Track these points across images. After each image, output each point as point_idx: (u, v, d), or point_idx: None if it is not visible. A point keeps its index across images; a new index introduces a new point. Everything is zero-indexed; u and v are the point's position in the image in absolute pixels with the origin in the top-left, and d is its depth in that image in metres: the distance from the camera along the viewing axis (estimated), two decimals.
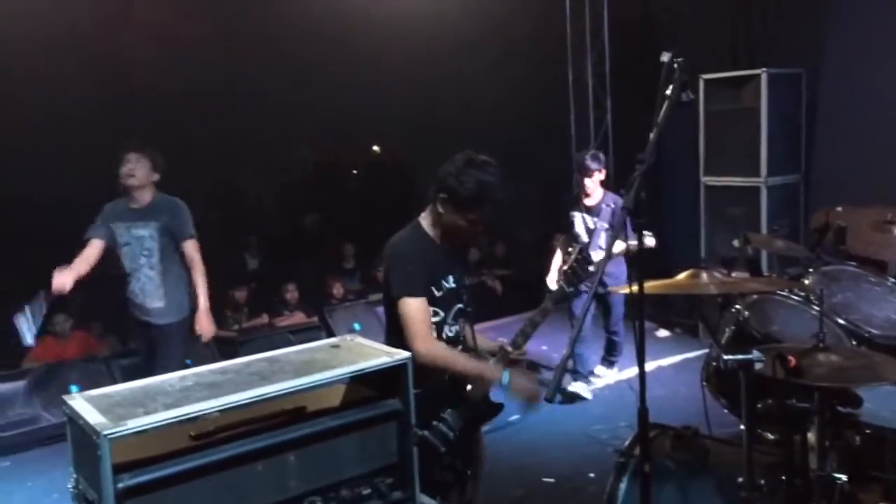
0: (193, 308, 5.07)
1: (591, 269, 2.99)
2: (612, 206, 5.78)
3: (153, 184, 5.05)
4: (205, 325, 5.06)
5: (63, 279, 4.77)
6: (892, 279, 3.68)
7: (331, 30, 8.55)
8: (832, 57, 6.94)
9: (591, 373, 6.23)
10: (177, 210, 5.08)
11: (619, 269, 5.51)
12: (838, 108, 6.91)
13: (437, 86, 9.45)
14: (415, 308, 2.80)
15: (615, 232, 4.82)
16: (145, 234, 5.02)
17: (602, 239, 5.69)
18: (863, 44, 6.61)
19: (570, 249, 3.09)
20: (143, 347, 5.26)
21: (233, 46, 8.71)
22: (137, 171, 4.95)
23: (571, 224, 6.02)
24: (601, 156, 6.00)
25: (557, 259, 5.86)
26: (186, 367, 2.40)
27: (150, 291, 5.07)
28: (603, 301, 5.94)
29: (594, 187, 5.86)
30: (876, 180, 6.13)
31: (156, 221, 5.00)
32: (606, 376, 6.31)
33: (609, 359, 6.30)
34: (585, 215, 5.93)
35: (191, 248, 5.08)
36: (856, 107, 6.68)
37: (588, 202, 5.92)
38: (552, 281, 5.18)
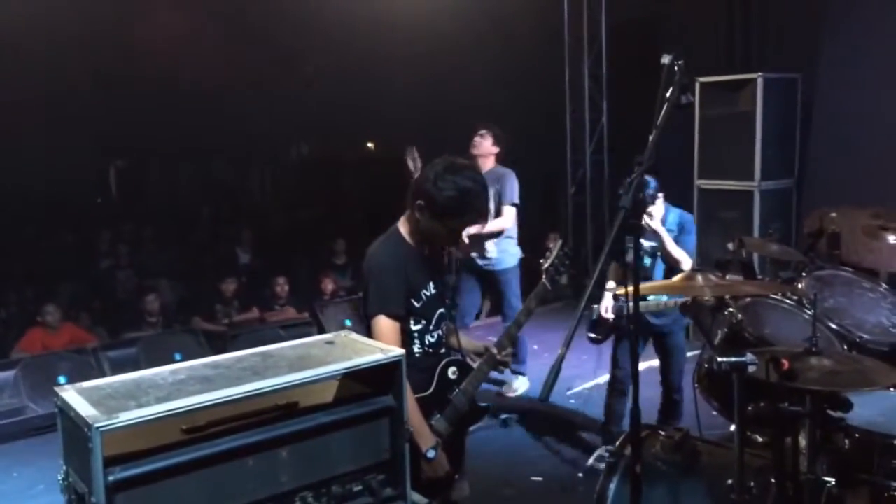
0: None
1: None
2: (676, 219, 4.97)
3: None
4: None
5: None
6: (884, 285, 3.71)
7: (328, 26, 8.53)
8: (827, 63, 6.96)
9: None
10: None
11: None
12: (832, 114, 6.93)
13: (433, 84, 9.45)
14: (386, 329, 2.71)
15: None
16: None
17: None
18: (857, 50, 6.64)
19: (550, 245, 3.08)
20: None
21: (230, 41, 8.68)
22: None
23: (627, 250, 5.55)
24: (650, 182, 4.98)
25: (610, 288, 4.99)
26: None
27: None
28: (660, 344, 4.85)
29: (655, 217, 5.00)
30: (868, 187, 6.16)
31: None
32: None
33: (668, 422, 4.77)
34: (643, 241, 5.19)
35: None
36: (850, 113, 6.70)
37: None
38: (605, 309, 4.71)
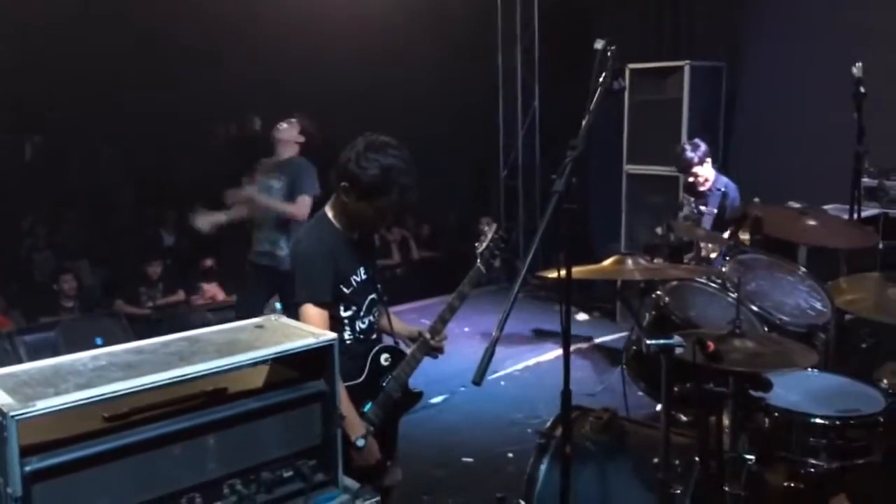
0: None
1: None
2: (723, 189, 5.56)
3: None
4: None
5: None
6: (802, 269, 3.84)
7: (260, 10, 8.35)
8: (751, 52, 7.17)
9: None
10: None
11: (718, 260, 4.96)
12: (755, 103, 7.16)
13: (368, 68, 9.34)
14: (314, 317, 2.66)
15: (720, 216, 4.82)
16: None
17: (708, 223, 5.48)
18: (781, 40, 6.85)
19: (485, 229, 3.08)
20: None
21: (163, 23, 8.38)
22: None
23: (681, 208, 5.85)
24: (699, 144, 5.69)
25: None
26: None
27: None
28: None
29: (700, 177, 5.62)
30: (787, 175, 6.39)
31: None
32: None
33: None
34: (694, 200, 5.74)
35: None
36: (772, 102, 6.94)
37: (701, 189, 5.67)
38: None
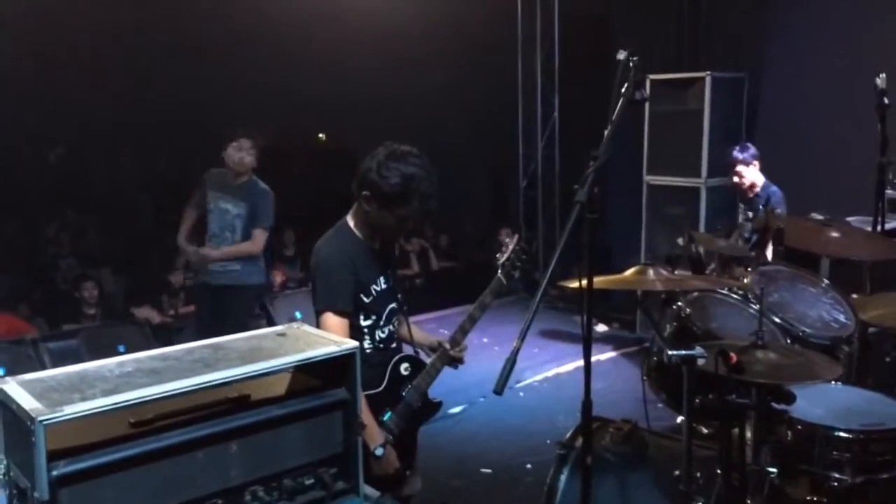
0: None
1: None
2: (767, 195, 5.63)
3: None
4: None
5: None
6: (825, 281, 3.81)
7: (281, 14, 8.41)
8: (773, 63, 7.13)
9: None
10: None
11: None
12: (776, 114, 7.11)
13: (387, 76, 9.39)
14: (334, 326, 2.67)
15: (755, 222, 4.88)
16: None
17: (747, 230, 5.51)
18: (803, 51, 6.81)
19: (506, 240, 3.08)
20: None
21: (184, 33, 8.47)
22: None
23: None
24: (749, 146, 5.81)
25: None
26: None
27: None
28: None
29: (744, 179, 5.73)
30: (810, 187, 6.33)
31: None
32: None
33: None
34: (744, 207, 5.86)
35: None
36: (793, 114, 6.89)
37: (750, 194, 5.77)
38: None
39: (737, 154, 5.72)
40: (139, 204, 10.57)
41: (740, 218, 5.87)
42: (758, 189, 5.70)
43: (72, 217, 9.74)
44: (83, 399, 1.71)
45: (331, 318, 2.71)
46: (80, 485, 1.67)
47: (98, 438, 1.74)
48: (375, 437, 2.70)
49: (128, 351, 2.24)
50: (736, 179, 5.75)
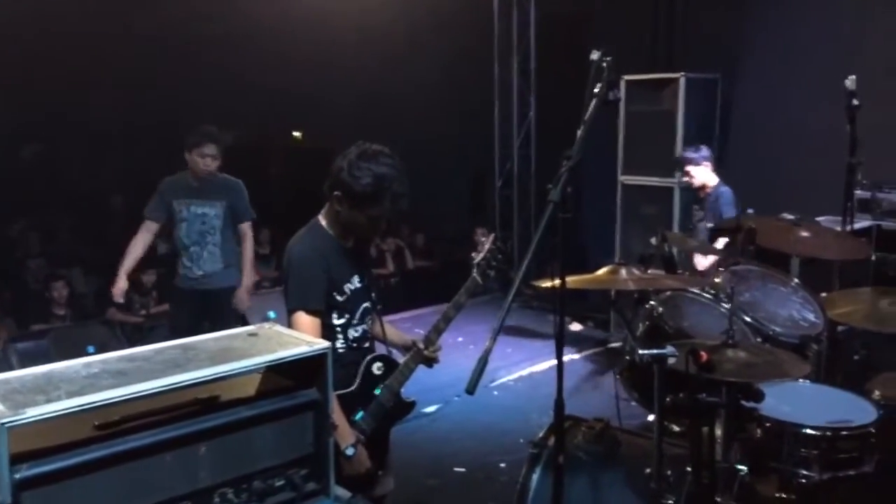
0: None
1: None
2: (716, 196, 5.72)
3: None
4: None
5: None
6: (795, 280, 3.85)
7: (255, 15, 8.35)
8: (746, 64, 7.20)
9: None
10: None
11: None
12: (749, 115, 7.18)
13: (364, 75, 9.36)
14: (306, 325, 2.67)
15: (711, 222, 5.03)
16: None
17: (703, 231, 5.66)
18: (776, 53, 6.88)
19: (481, 239, 3.08)
20: None
21: (165, 31, 8.38)
22: None
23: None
24: (701, 148, 5.91)
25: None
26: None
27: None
28: None
29: (694, 179, 5.83)
30: (781, 186, 6.41)
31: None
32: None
33: None
34: (697, 207, 5.98)
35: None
36: (766, 114, 6.96)
37: (701, 194, 5.87)
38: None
39: (687, 154, 5.87)
40: (111, 204, 10.45)
41: (694, 218, 6.04)
42: (709, 189, 5.82)
43: (42, 216, 9.60)
44: (48, 401, 1.68)
45: (302, 318, 2.69)
46: (43, 488, 1.64)
47: (64, 440, 1.71)
48: (346, 436, 2.68)
49: (98, 351, 2.20)
50: (685, 179, 5.90)
